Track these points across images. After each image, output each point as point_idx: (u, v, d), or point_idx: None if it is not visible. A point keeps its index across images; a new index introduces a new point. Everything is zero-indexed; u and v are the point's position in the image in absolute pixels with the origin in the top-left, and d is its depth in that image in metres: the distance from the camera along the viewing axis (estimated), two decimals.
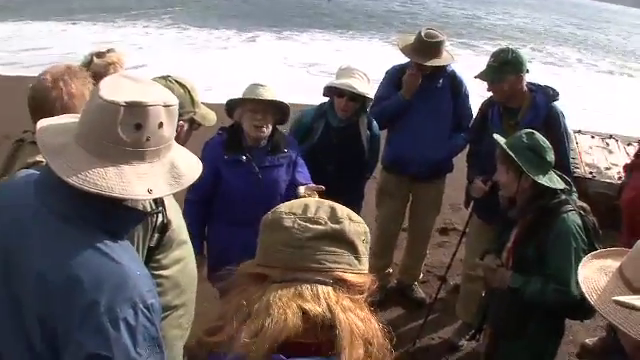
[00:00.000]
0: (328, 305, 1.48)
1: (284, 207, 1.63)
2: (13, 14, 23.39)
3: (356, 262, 1.58)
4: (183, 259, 3.08)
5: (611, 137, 9.33)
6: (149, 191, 1.95)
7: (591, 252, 2.47)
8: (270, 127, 4.25)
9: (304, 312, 1.46)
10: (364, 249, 1.62)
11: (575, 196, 3.77)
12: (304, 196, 4.18)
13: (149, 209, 2.61)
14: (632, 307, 1.80)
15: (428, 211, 6.00)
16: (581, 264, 2.26)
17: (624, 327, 1.89)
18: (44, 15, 23.45)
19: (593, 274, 2.18)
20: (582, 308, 3.35)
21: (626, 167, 5.38)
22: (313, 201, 1.65)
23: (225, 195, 4.28)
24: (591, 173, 7.89)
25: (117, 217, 2.01)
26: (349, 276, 1.55)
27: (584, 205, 3.79)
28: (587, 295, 2.09)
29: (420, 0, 35.22)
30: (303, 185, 4.35)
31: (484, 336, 4.24)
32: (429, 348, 5.55)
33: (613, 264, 2.17)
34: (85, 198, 1.88)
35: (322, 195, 4.25)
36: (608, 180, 7.62)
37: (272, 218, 1.61)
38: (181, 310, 3.04)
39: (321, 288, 1.51)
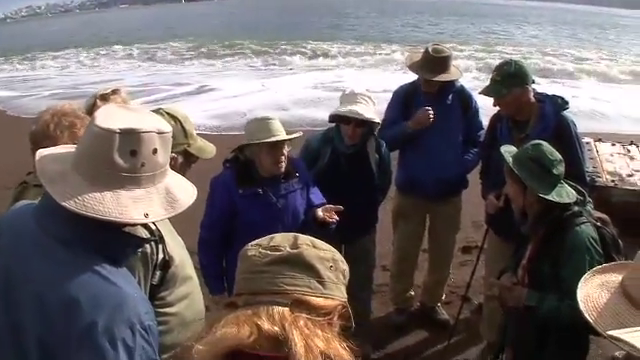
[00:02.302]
0: (282, 324, 1.53)
1: (256, 241, 1.72)
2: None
3: (319, 286, 1.63)
4: (189, 295, 3.07)
5: (632, 143, 9.17)
6: (145, 215, 2.01)
7: (603, 264, 2.40)
8: (286, 159, 4.22)
9: (259, 328, 1.52)
10: (331, 274, 1.67)
11: (590, 207, 3.66)
12: (323, 218, 4.21)
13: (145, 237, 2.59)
14: (622, 341, 1.71)
15: (447, 230, 5.94)
16: (581, 282, 2.19)
17: (628, 346, 1.81)
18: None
19: (594, 291, 2.11)
20: None
21: None
22: (281, 234, 1.72)
23: (246, 229, 4.18)
24: (613, 181, 7.75)
25: (115, 242, 2.07)
26: (309, 298, 1.61)
27: (602, 216, 3.68)
28: (587, 315, 2.02)
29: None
30: (319, 206, 4.34)
31: (505, 356, 4.13)
32: None
33: (616, 279, 2.10)
34: (83, 223, 1.93)
35: (340, 214, 4.24)
36: (631, 187, 7.47)
37: (242, 251, 1.71)
38: None
39: (277, 309, 1.56)
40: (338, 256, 1.71)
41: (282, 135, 4.09)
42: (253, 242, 1.72)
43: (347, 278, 1.73)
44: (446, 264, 6.12)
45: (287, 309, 1.56)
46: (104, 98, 3.82)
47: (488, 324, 5.34)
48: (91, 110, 3.84)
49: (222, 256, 4.38)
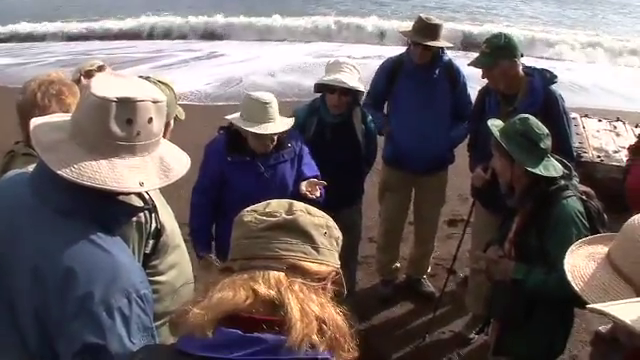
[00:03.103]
0: (278, 288, 1.55)
1: (251, 207, 1.73)
2: None
3: (313, 252, 1.65)
4: (178, 263, 3.09)
5: (618, 120, 9.20)
6: (141, 184, 2.02)
7: (591, 236, 2.42)
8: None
9: (255, 293, 1.54)
10: (325, 241, 1.69)
11: (576, 181, 3.69)
12: (306, 193, 4.20)
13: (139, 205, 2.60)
14: (603, 313, 1.74)
15: (433, 204, 5.97)
16: (568, 252, 2.22)
17: (612, 315, 1.85)
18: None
19: (580, 261, 2.13)
20: None
21: (631, 149, 5.26)
22: (277, 201, 1.74)
23: (233, 196, 4.22)
24: (599, 157, 7.79)
25: (109, 211, 2.06)
26: (303, 264, 1.63)
27: (587, 190, 3.71)
28: (573, 284, 2.04)
29: None
30: (309, 178, 4.35)
31: (492, 329, 4.17)
32: (440, 342, 5.51)
33: (602, 250, 2.12)
34: (79, 192, 1.93)
35: (325, 189, 4.25)
36: (617, 163, 7.50)
37: (237, 217, 1.72)
38: None
39: (273, 273, 1.58)
40: (332, 223, 1.74)
41: (270, 128, 4.07)
42: (249, 208, 1.73)
43: (340, 245, 1.75)
44: (431, 237, 6.16)
45: (283, 274, 1.58)
46: (89, 75, 3.76)
47: (474, 297, 5.39)
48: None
49: (212, 222, 4.39)
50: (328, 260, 1.69)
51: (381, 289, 6.15)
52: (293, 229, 1.65)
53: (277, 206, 1.71)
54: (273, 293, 1.55)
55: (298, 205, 1.72)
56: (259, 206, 1.73)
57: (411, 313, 5.90)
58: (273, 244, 1.62)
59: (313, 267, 1.64)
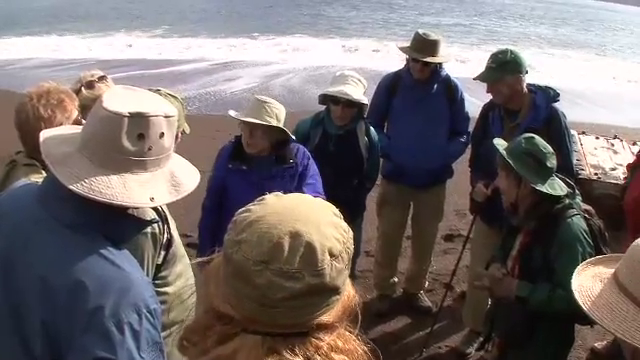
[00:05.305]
0: (307, 356, 1.36)
1: (248, 245, 1.36)
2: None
3: (337, 296, 1.42)
4: (184, 273, 3.14)
5: (616, 137, 9.22)
6: (151, 199, 2.01)
7: (597, 256, 2.44)
8: (260, 145, 4.20)
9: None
10: (346, 272, 1.43)
11: (579, 199, 3.70)
12: None
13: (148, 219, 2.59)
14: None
15: (431, 218, 5.96)
16: (575, 272, 2.23)
17: (619, 333, 1.87)
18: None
19: (587, 281, 2.15)
20: None
21: (629, 167, 5.28)
22: (286, 237, 1.34)
23: (230, 203, 4.19)
24: (596, 174, 7.78)
25: (119, 225, 2.06)
26: (328, 317, 1.40)
27: (589, 208, 3.73)
28: (581, 303, 2.06)
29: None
30: None
31: (493, 345, 4.16)
32: (436, 357, 5.48)
33: (608, 270, 2.14)
34: (88, 206, 1.92)
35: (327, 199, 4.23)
36: (614, 181, 7.49)
37: (236, 262, 1.36)
38: None
39: (298, 343, 1.37)
40: (349, 239, 1.45)
41: (250, 117, 4.08)
42: (247, 247, 1.36)
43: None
44: (429, 252, 6.15)
45: (308, 339, 1.38)
46: (90, 86, 3.74)
47: (471, 312, 5.39)
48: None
49: (217, 224, 4.37)
50: (346, 289, 1.45)
51: (378, 304, 6.10)
52: (320, 291, 1.36)
53: (291, 253, 1.33)
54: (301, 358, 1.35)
55: (321, 248, 1.36)
56: (264, 249, 1.34)
57: (408, 328, 5.88)
58: (294, 312, 1.35)
59: (337, 311, 1.42)
